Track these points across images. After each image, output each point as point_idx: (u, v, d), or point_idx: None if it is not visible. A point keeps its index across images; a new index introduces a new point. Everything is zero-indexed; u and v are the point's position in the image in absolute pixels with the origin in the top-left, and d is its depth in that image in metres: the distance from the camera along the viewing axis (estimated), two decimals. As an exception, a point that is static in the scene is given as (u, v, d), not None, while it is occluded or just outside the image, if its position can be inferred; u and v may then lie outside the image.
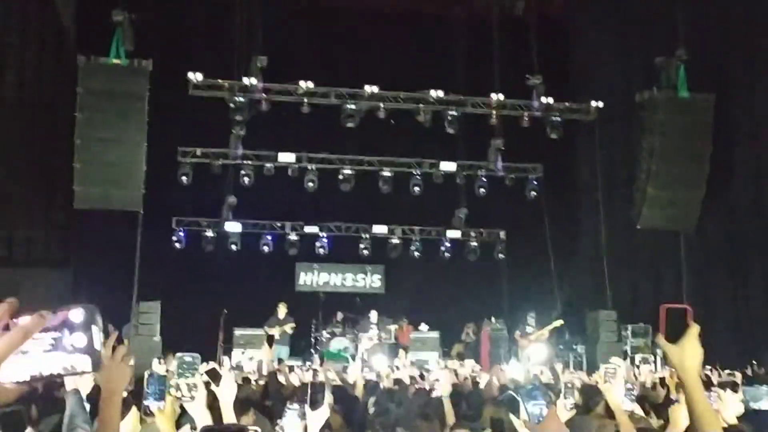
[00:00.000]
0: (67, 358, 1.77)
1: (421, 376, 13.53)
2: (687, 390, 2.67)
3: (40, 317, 1.74)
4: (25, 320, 1.74)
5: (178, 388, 4.32)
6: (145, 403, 4.37)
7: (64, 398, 4.68)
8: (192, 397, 4.28)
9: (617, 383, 5.05)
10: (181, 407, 4.70)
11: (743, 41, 19.65)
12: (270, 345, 19.31)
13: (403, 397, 5.34)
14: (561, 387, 5.89)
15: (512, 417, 5.24)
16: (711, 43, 20.04)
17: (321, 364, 17.60)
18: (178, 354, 4.41)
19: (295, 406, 4.51)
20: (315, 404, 4.57)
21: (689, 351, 2.64)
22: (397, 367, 15.58)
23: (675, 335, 2.65)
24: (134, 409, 4.15)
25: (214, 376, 4.55)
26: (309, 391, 4.60)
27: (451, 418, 7.09)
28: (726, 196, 20.33)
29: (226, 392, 4.48)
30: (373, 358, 18.81)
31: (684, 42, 19.81)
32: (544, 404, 4.13)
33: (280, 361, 17.09)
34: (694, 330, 2.65)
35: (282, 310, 19.70)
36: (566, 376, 10.52)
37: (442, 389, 7.49)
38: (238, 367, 15.94)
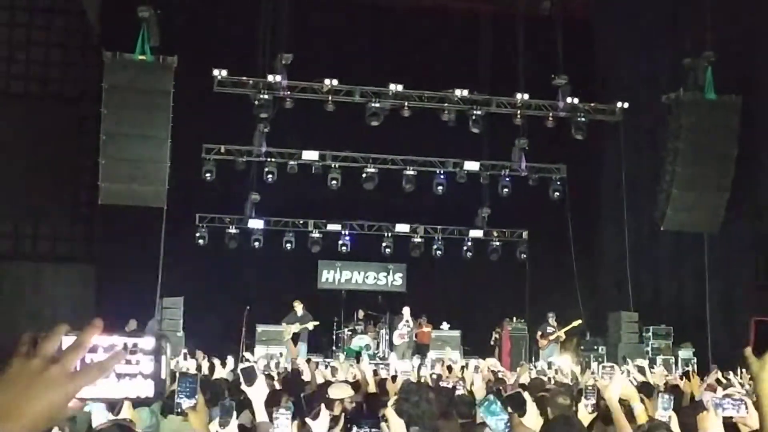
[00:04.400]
0: (133, 383, 1.78)
1: (449, 368, 13.39)
2: (761, 401, 2.70)
3: (119, 354, 1.75)
4: (102, 355, 1.75)
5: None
6: (177, 401, 4.39)
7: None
8: None
9: (615, 382, 5.00)
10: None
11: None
12: (294, 343, 19.39)
13: (423, 396, 5.25)
14: (582, 388, 5.85)
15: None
16: (739, 44, 19.88)
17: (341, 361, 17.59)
18: (220, 402, 4.57)
19: (283, 411, 4.52)
20: (315, 415, 4.66)
21: None
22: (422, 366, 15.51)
23: (762, 348, 2.65)
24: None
25: (250, 377, 4.60)
26: (304, 403, 4.67)
27: None
28: (751, 198, 20.16)
29: (259, 393, 4.61)
30: (396, 355, 18.78)
31: (712, 43, 19.62)
32: (506, 417, 4.10)
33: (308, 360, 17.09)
34: None
35: (299, 308, 19.72)
36: (586, 378, 10.41)
37: (477, 393, 7.17)
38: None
